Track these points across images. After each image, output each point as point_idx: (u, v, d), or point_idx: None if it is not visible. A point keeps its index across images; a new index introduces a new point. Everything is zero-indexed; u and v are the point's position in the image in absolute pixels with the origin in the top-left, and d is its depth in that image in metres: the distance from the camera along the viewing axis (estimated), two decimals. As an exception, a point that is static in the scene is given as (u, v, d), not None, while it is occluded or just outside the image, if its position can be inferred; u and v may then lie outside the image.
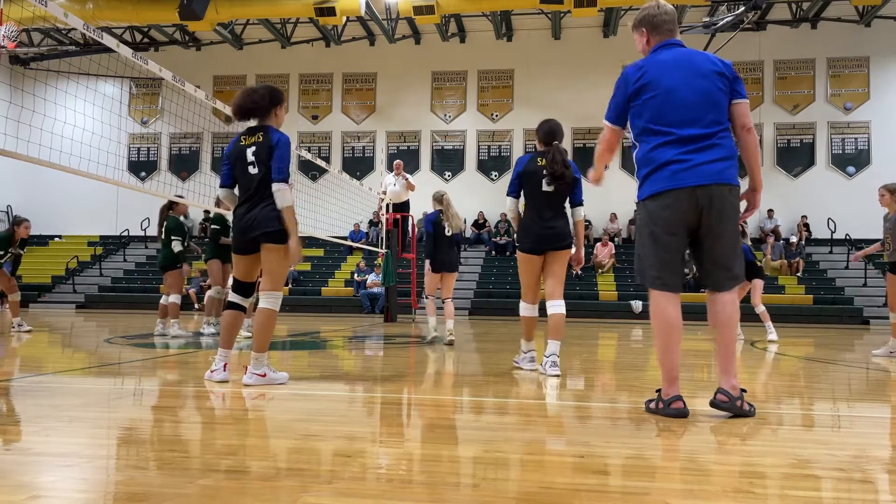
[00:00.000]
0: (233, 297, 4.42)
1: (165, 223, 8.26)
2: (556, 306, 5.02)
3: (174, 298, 8.19)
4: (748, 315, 12.27)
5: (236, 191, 4.42)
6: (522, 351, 5.31)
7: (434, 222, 8.06)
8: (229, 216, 7.42)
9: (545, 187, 4.92)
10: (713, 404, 3.29)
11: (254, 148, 4.21)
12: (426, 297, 8.26)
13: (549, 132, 5.07)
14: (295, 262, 4.35)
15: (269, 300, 4.27)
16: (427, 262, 8.13)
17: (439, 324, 8.31)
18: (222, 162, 4.40)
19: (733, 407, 3.24)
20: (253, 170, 4.20)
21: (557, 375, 4.84)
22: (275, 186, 4.14)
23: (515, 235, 5.16)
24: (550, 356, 4.91)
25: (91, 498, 2.00)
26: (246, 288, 4.41)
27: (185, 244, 8.38)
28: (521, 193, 5.06)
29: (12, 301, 9.11)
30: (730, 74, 3.35)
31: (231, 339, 4.38)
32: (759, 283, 9.34)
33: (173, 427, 3.11)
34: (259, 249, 4.23)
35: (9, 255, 8.85)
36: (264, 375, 4.20)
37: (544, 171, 4.91)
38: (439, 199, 8.11)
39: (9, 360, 5.87)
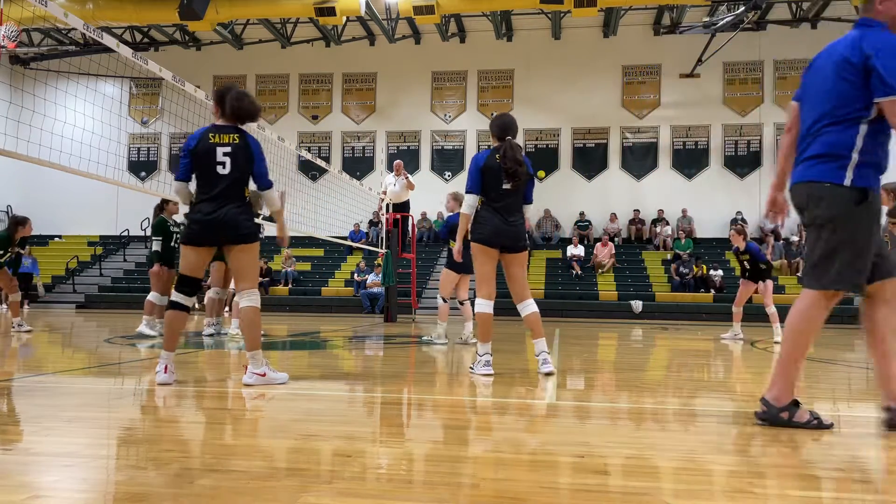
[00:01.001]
0: (176, 296, 4.27)
1: (156, 222, 8.24)
2: (528, 306, 4.86)
3: (151, 297, 8.13)
4: (751, 315, 12.35)
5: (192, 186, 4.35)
6: (478, 354, 4.88)
7: (454, 226, 7.79)
8: None
9: (505, 185, 4.74)
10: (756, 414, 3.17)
11: (228, 149, 4.18)
12: (442, 300, 7.97)
13: (502, 127, 4.89)
14: (286, 244, 4.80)
15: (250, 298, 4.29)
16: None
17: (450, 324, 8.25)
18: (181, 156, 4.28)
19: (774, 418, 3.07)
20: (223, 170, 4.16)
21: (552, 373, 4.75)
22: (267, 193, 4.35)
23: (470, 228, 4.90)
24: (540, 354, 4.80)
25: (91, 498, 2.00)
26: (192, 284, 4.29)
27: (175, 244, 8.33)
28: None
29: (12, 301, 9.11)
30: (857, 61, 2.90)
31: (174, 340, 4.25)
32: (769, 285, 9.37)
33: (173, 427, 3.11)
34: (217, 245, 4.25)
35: (9, 254, 8.85)
36: (264, 375, 4.20)
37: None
38: (461, 201, 8.10)
39: (9, 360, 5.87)
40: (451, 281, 7.89)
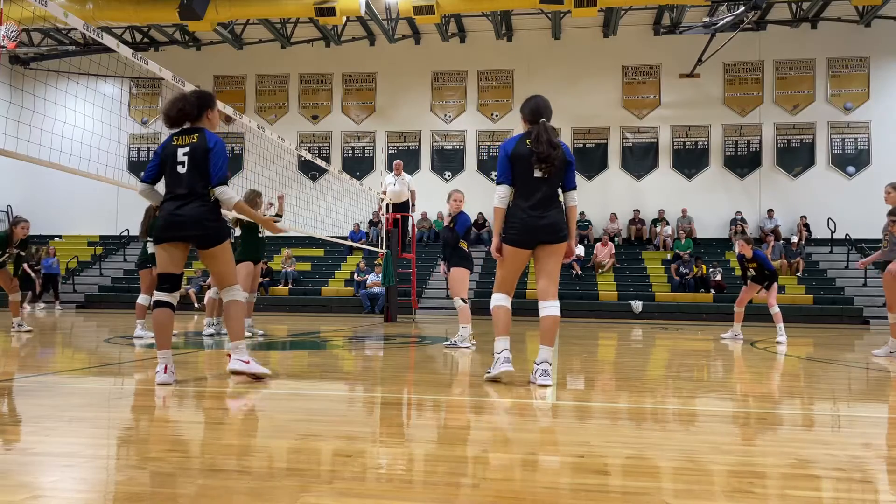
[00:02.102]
0: (159, 295, 4.29)
1: (151, 223, 8.17)
2: (550, 307, 4.38)
3: (141, 300, 8.08)
4: (751, 315, 12.34)
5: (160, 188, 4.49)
6: (495, 352, 4.43)
7: (471, 226, 7.63)
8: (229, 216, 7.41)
9: (536, 173, 4.29)
10: None
11: (187, 149, 4.27)
12: (462, 301, 7.31)
13: (534, 109, 4.45)
14: (277, 231, 4.88)
15: (231, 294, 4.40)
16: (442, 264, 7.60)
17: (451, 325, 8.08)
18: (152, 159, 4.41)
19: None
20: (182, 169, 4.25)
21: (549, 385, 4.26)
22: (218, 190, 4.24)
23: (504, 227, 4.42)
24: (541, 364, 4.31)
25: (91, 498, 2.00)
26: (172, 281, 4.31)
27: None
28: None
29: (13, 301, 9.09)
30: None
31: (167, 338, 4.29)
32: (774, 286, 9.45)
33: (173, 427, 3.12)
34: (182, 241, 4.27)
35: (6, 254, 8.83)
36: (248, 362, 4.32)
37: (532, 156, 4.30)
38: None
39: (9, 360, 5.87)
40: (467, 279, 7.46)
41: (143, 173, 4.43)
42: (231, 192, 4.29)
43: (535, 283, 4.62)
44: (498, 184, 4.40)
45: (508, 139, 4.47)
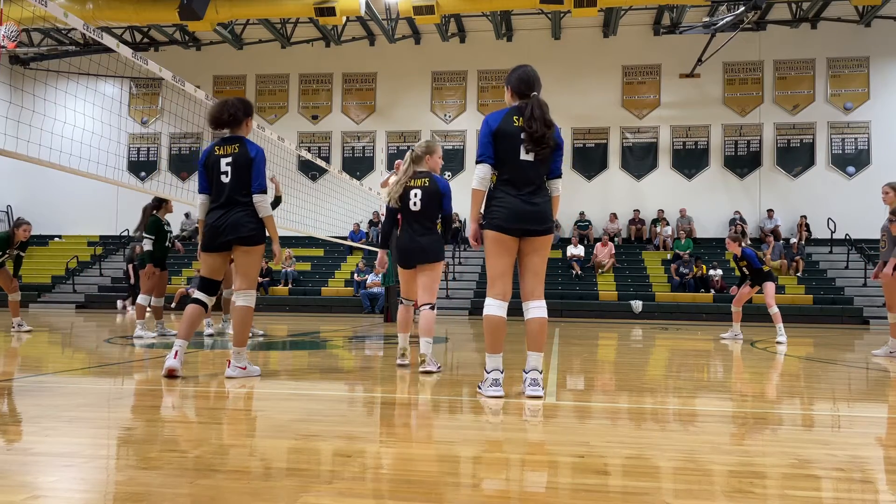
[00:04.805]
0: (198, 294, 4.61)
1: (150, 221, 8.15)
2: (537, 308, 3.86)
3: (140, 300, 8.08)
4: (751, 315, 12.36)
5: None
6: (486, 370, 3.92)
7: (393, 213, 5.43)
8: None
9: (524, 155, 3.77)
10: None
11: (230, 158, 4.52)
12: (401, 302, 5.49)
13: (524, 80, 3.95)
14: (279, 261, 4.87)
15: (245, 298, 4.58)
16: (381, 252, 5.57)
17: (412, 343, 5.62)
18: (198, 171, 4.66)
19: None
20: (226, 179, 4.51)
21: (539, 397, 3.80)
22: (257, 198, 4.51)
23: (483, 212, 3.91)
24: (530, 372, 3.84)
25: (91, 498, 2.00)
26: (212, 286, 4.63)
27: (169, 244, 8.28)
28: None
29: (12, 301, 9.09)
30: None
31: (190, 331, 4.54)
32: (770, 286, 9.40)
33: (173, 427, 3.12)
34: (228, 249, 4.55)
35: (6, 255, 8.83)
36: (245, 368, 4.55)
37: (522, 134, 3.77)
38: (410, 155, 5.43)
39: (9, 360, 5.87)
40: (404, 277, 5.38)
41: (197, 187, 4.68)
42: (268, 205, 4.56)
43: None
44: (478, 162, 3.83)
45: (493, 113, 3.90)
